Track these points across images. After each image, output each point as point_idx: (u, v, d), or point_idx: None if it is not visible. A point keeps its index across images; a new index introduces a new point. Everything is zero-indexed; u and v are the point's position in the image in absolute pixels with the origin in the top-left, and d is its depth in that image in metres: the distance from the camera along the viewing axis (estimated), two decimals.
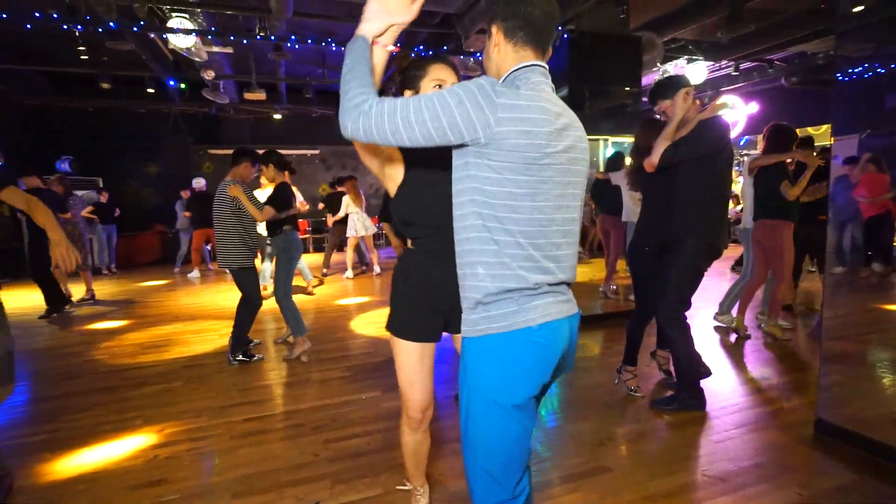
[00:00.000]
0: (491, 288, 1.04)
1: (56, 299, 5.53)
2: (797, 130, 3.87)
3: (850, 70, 2.78)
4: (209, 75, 6.82)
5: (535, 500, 1.96)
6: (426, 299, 1.52)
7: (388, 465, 2.25)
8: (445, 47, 5.60)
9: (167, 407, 2.99)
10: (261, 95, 7.38)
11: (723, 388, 3.06)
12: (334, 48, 5.29)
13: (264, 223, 3.79)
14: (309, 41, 4.90)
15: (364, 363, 3.69)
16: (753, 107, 10.31)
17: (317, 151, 11.63)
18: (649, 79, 8.36)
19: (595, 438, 2.48)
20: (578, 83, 4.30)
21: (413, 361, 1.54)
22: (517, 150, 0.97)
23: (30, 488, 2.17)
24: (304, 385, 3.29)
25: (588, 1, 3.67)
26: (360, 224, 7.24)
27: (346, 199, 7.24)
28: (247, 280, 3.67)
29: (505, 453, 1.09)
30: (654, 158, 2.56)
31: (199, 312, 5.59)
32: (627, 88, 4.63)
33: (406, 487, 1.92)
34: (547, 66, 1.12)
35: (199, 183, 8.13)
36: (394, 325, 1.56)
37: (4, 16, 3.70)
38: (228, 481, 2.17)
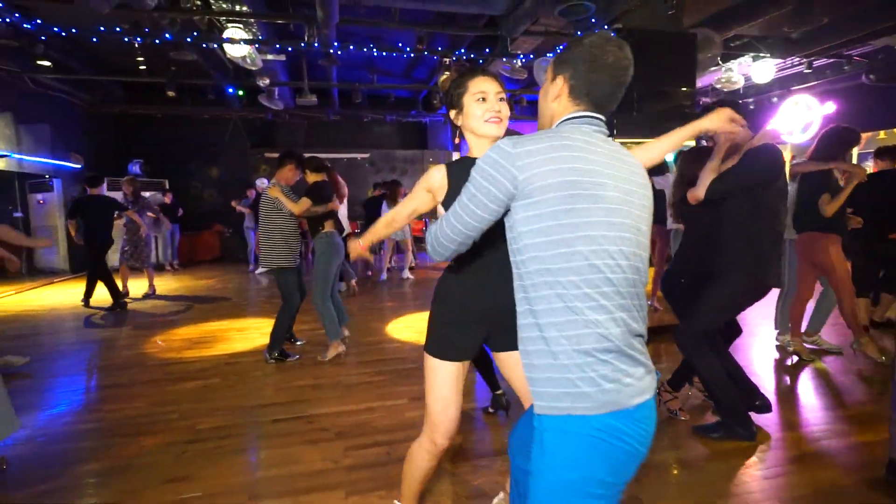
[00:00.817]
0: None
1: (113, 294, 5.89)
2: (884, 133, 3.45)
3: None
4: (264, 82, 7.10)
5: None
6: (472, 314, 1.47)
7: (400, 480, 2.19)
8: (489, 49, 5.50)
9: (202, 403, 3.08)
10: (312, 100, 7.60)
11: (778, 417, 2.76)
12: (378, 53, 5.33)
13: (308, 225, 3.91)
14: (351, 47, 4.96)
15: (395, 369, 3.66)
16: (830, 107, 9.38)
17: (367, 155, 11.85)
18: (709, 79, 7.86)
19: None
20: (629, 83, 4.06)
21: (452, 383, 1.48)
22: (552, 190, 0.92)
23: (69, 474, 2.29)
24: (333, 388, 3.30)
25: None
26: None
27: (385, 205, 7.34)
28: (287, 281, 3.75)
29: None
30: (700, 192, 2.35)
31: (246, 311, 5.80)
32: (683, 89, 4.35)
33: None
34: (604, 119, 1.08)
35: (262, 184, 8.41)
36: (431, 344, 1.50)
37: (74, 30, 4.01)
38: (248, 483, 2.19)
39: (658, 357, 3.81)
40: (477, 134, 1.44)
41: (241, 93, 8.25)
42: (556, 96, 1.10)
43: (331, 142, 11.52)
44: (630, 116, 4.17)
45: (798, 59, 7.44)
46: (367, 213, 7.77)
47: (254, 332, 4.75)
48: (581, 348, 0.92)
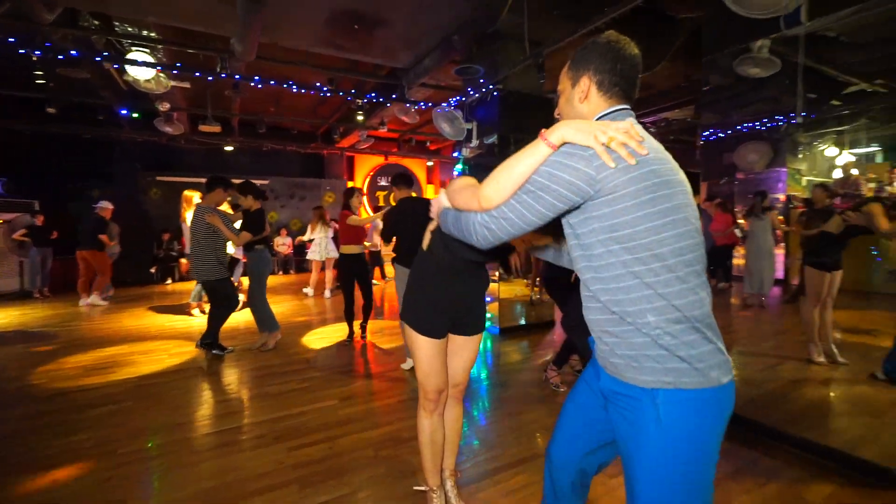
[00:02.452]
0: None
1: None
2: None
3: (704, 133, 3.24)
4: (164, 107, 6.36)
5: (486, 485, 1.99)
6: (444, 306, 1.64)
7: (353, 466, 2.18)
8: (395, 95, 5.68)
9: (118, 427, 2.65)
10: (216, 128, 6.98)
11: None
12: (288, 88, 5.17)
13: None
14: (272, 82, 4.75)
15: (319, 375, 3.53)
16: None
17: (266, 182, 11.12)
18: None
19: (531, 429, 2.56)
20: (506, 132, 4.56)
21: (432, 355, 1.64)
22: (638, 186, 0.90)
23: None
24: (262, 399, 3.08)
25: (517, 66, 3.94)
26: (321, 249, 7.13)
27: (309, 225, 7.14)
28: (224, 287, 3.88)
29: None
30: None
31: (145, 333, 5.04)
32: None
33: (422, 488, 1.86)
34: (632, 110, 1.05)
35: (104, 205, 6.73)
36: (414, 322, 1.63)
37: None
38: (194, 495, 1.98)
39: (542, 345, 4.24)
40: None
41: (136, 115, 7.23)
42: (583, 97, 1.05)
43: (229, 168, 10.60)
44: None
45: None
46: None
47: (161, 354, 4.17)
48: (693, 321, 0.91)
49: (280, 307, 6.50)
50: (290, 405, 2.93)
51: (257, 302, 4.08)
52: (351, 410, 2.85)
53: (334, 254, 7.26)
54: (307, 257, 7.35)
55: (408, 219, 3.42)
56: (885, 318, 3.33)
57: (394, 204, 3.58)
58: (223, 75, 4.29)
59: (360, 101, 5.54)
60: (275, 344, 4.20)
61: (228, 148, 9.80)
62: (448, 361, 1.74)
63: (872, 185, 3.51)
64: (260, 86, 4.66)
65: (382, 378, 3.46)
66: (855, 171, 3.55)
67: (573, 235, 1.03)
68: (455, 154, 5.09)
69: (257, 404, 2.97)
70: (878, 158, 3.58)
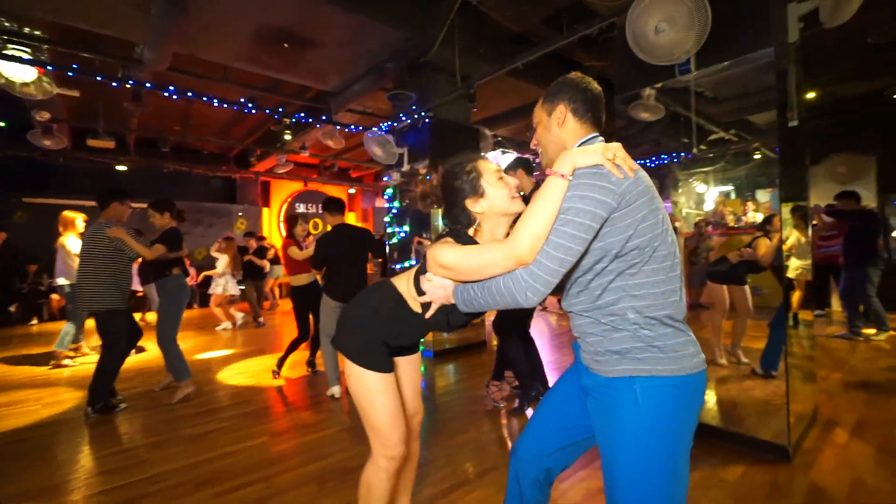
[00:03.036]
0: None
1: None
2: None
3: None
4: (43, 117, 5.50)
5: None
6: (406, 339, 1.43)
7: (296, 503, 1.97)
8: (325, 117, 5.58)
9: None
10: (109, 144, 6.20)
11: None
12: (216, 103, 4.82)
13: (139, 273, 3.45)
14: (189, 94, 4.38)
15: (243, 412, 3.18)
16: None
17: None
18: None
19: (478, 446, 2.55)
20: (435, 159, 4.71)
21: (392, 395, 1.39)
22: (643, 198, 1.01)
23: None
24: (177, 443, 2.68)
25: (448, 96, 4.14)
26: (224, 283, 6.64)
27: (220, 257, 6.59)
28: (117, 324, 3.22)
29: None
30: None
31: (8, 382, 4.15)
32: None
33: None
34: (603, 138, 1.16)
35: None
36: (371, 360, 1.36)
37: None
38: None
39: (477, 365, 4.28)
40: (507, 213, 1.26)
41: (1, 124, 6.15)
42: (560, 122, 1.15)
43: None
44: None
45: (530, 153, 9.68)
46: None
47: (33, 405, 3.45)
48: (668, 319, 1.02)
49: (186, 343, 5.79)
50: (212, 448, 2.59)
51: (166, 338, 3.40)
52: (285, 446, 2.60)
53: (235, 290, 6.86)
54: (209, 291, 6.80)
55: (341, 246, 3.32)
56: (753, 326, 3.93)
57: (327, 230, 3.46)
58: (131, 82, 3.87)
59: (287, 120, 5.34)
60: (185, 396, 3.43)
61: (121, 168, 8.73)
62: (401, 392, 1.53)
63: (731, 217, 4.19)
64: (176, 97, 4.26)
65: (316, 409, 3.22)
66: (720, 205, 4.25)
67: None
68: (385, 178, 5.11)
69: (170, 450, 2.57)
70: (733, 195, 4.35)
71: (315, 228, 12.02)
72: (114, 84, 3.95)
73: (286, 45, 4.13)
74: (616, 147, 1.02)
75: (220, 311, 6.86)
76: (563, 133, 1.16)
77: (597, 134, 1.16)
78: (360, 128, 5.44)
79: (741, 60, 2.50)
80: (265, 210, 11.72)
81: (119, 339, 3.22)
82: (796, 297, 4.68)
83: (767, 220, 3.09)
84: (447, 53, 4.14)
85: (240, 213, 11.08)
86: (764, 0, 2.34)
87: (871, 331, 4.93)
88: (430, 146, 4.58)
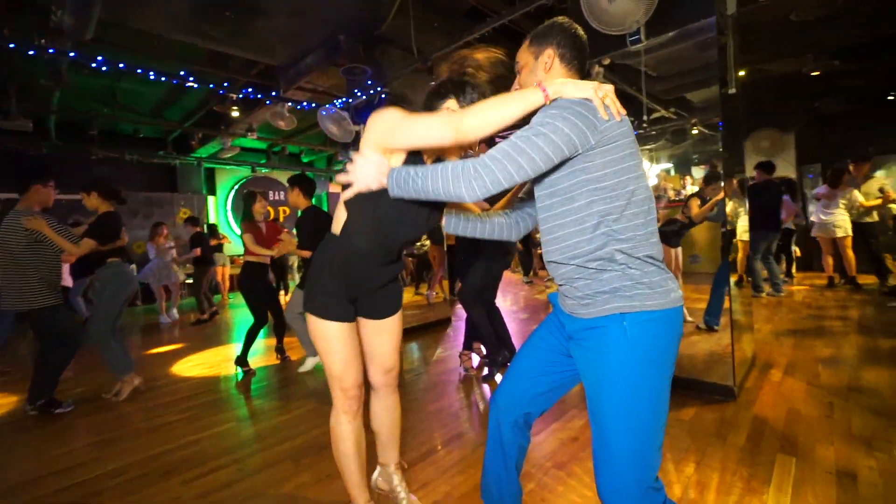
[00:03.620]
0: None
1: None
2: None
3: None
4: None
5: (421, 467, 1.96)
6: (349, 287, 1.41)
7: (273, 481, 1.93)
8: (275, 93, 5.28)
9: None
10: (25, 126, 5.54)
11: None
12: (152, 76, 4.42)
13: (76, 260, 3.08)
14: (121, 65, 3.96)
15: (206, 401, 3.04)
16: None
17: None
18: None
19: (452, 412, 2.60)
20: None
21: (345, 342, 1.41)
22: (623, 141, 1.03)
23: None
24: (135, 436, 2.51)
25: (405, 70, 4.05)
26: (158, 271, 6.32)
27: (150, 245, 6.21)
28: (58, 319, 2.91)
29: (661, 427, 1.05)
30: None
31: None
32: None
33: None
34: None
35: None
36: (320, 308, 1.38)
37: None
38: None
39: (443, 340, 4.32)
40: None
41: None
42: (548, 67, 1.14)
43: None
44: None
45: None
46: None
47: None
48: (650, 258, 1.05)
49: (130, 342, 5.44)
50: (175, 437, 2.46)
51: (102, 334, 3.04)
52: (255, 429, 2.52)
53: (175, 278, 6.50)
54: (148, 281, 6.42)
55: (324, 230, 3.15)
56: (689, 290, 4.24)
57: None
58: (51, 50, 3.45)
59: (234, 96, 5.01)
60: (131, 391, 3.16)
61: (44, 153, 7.85)
62: (372, 347, 1.56)
63: (672, 191, 4.45)
64: (105, 68, 3.85)
65: (284, 392, 3.14)
66: (662, 181, 4.51)
67: (549, 194, 1.10)
68: (340, 158, 4.95)
69: (126, 445, 2.41)
70: (672, 172, 4.62)
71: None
72: (30, 52, 3.50)
73: (228, 14, 3.84)
74: (609, 88, 1.03)
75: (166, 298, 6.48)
76: (549, 78, 1.15)
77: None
78: (314, 104, 5.20)
79: (687, 30, 2.62)
80: (211, 198, 11.05)
81: (58, 335, 2.91)
82: (739, 258, 5.08)
83: (706, 182, 3.29)
84: (402, 26, 4.04)
85: (182, 202, 10.38)
86: None
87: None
88: None
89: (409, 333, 4.69)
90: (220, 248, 7.92)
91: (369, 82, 4.33)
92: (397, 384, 1.65)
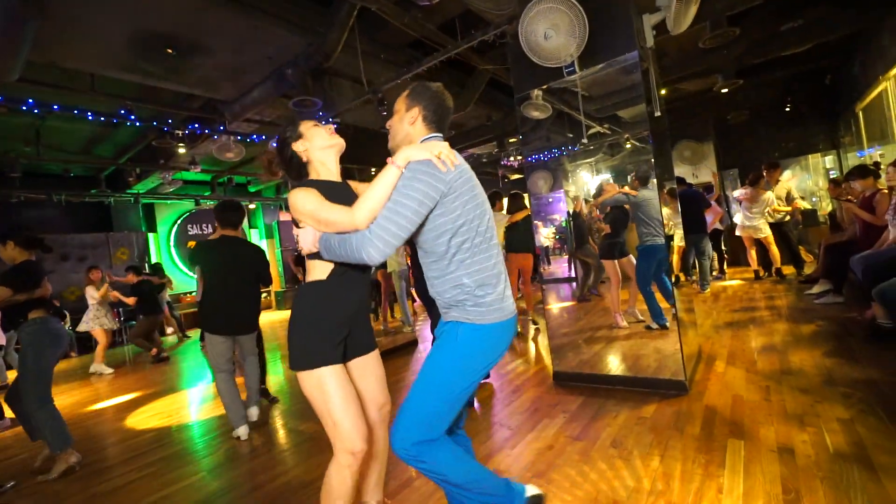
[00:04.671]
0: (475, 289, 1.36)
1: None
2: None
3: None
4: None
5: (406, 494, 1.98)
6: (342, 322, 1.45)
7: None
8: (222, 127, 5.15)
9: None
10: None
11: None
12: (90, 117, 4.17)
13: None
14: (55, 107, 3.73)
15: (167, 454, 2.86)
16: None
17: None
18: None
19: None
20: (346, 164, 4.66)
21: (347, 385, 1.40)
22: (466, 187, 1.32)
23: None
24: (91, 501, 2.32)
25: (356, 101, 4.13)
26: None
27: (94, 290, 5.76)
28: None
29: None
30: None
31: None
32: (375, 170, 5.29)
33: None
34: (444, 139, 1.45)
35: None
36: (318, 358, 1.37)
37: None
38: None
39: (416, 364, 4.33)
40: (326, 146, 1.52)
41: None
42: (412, 121, 1.42)
43: None
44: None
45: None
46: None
47: None
48: (486, 281, 1.35)
49: (74, 396, 4.99)
50: (140, 496, 2.31)
51: (30, 401, 2.67)
52: (227, 477, 2.42)
53: (109, 324, 6.03)
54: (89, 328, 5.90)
55: (227, 265, 2.94)
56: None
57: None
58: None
59: (180, 132, 4.84)
60: (69, 468, 2.70)
61: None
62: (362, 386, 1.57)
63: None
64: (37, 110, 3.60)
65: (257, 434, 3.02)
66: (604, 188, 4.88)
67: (422, 233, 1.36)
68: (289, 187, 4.91)
69: None
70: (612, 181, 5.02)
71: None
72: None
73: (170, 51, 3.76)
74: (443, 146, 1.30)
75: (98, 351, 5.98)
76: (412, 130, 1.43)
77: (438, 134, 1.43)
78: (263, 136, 5.14)
79: (614, 62, 2.91)
80: (151, 235, 10.41)
81: None
82: (675, 260, 5.51)
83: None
84: (350, 59, 4.13)
85: (119, 242, 9.69)
86: (626, 13, 2.77)
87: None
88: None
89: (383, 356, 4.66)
90: (162, 287, 7.47)
91: (320, 114, 4.37)
92: (389, 421, 1.64)
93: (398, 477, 2.15)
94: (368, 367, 1.60)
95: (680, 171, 8.25)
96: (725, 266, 7.19)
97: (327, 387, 1.37)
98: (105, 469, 2.74)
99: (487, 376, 3.27)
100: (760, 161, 6.31)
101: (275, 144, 1.61)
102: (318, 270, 1.45)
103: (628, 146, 4.44)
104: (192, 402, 4.02)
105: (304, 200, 1.33)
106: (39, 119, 5.56)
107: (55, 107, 3.77)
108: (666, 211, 5.20)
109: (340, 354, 1.45)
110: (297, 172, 1.55)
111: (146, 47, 3.70)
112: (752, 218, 5.97)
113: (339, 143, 1.54)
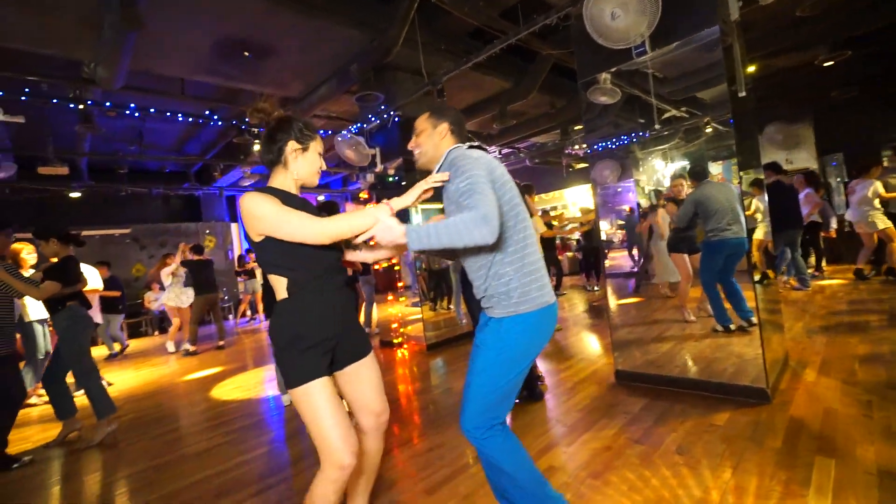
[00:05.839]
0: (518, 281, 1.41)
1: None
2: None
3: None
4: None
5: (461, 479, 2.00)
6: (323, 332, 1.40)
7: None
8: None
9: None
10: (62, 170, 5.89)
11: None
12: (180, 118, 4.68)
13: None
14: (151, 110, 4.23)
15: (245, 424, 3.15)
16: None
17: (127, 231, 9.64)
18: None
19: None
20: (407, 155, 4.76)
21: (333, 398, 1.36)
22: (504, 179, 1.42)
23: None
24: (180, 462, 2.64)
25: (415, 94, 4.19)
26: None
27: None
28: (4, 371, 2.82)
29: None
30: None
31: None
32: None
33: None
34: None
35: None
36: (301, 373, 1.34)
37: None
38: None
39: (465, 356, 4.37)
40: (306, 182, 1.51)
41: None
42: (442, 136, 1.54)
43: (76, 219, 8.96)
44: (410, 179, 4.85)
45: (495, 147, 9.85)
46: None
47: (17, 444, 3.29)
48: (525, 270, 1.41)
49: (171, 366, 5.63)
50: (221, 461, 2.57)
51: (78, 377, 3.04)
52: (298, 448, 2.61)
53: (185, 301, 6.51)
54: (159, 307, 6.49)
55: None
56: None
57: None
58: (90, 102, 3.71)
59: (256, 130, 5.24)
60: (106, 435, 3.06)
61: (75, 195, 8.29)
62: (357, 394, 1.55)
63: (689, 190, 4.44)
64: (138, 114, 4.11)
65: None
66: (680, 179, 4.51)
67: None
68: (356, 181, 5.11)
69: (179, 468, 2.54)
70: (686, 170, 4.62)
71: None
72: (71, 106, 3.76)
73: (246, 54, 4.06)
74: (423, 185, 1.46)
75: (174, 330, 6.58)
76: (442, 143, 1.54)
77: (460, 143, 1.53)
78: (329, 132, 5.40)
79: (691, 39, 2.68)
80: (234, 225, 11.41)
81: (10, 388, 2.84)
82: (757, 256, 5.03)
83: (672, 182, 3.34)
84: (410, 52, 4.19)
85: (207, 231, 10.74)
86: None
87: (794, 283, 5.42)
88: (401, 145, 4.63)
89: (434, 349, 4.77)
90: (251, 273, 8.19)
91: (382, 107, 4.49)
92: (384, 429, 1.63)
93: (452, 464, 2.18)
94: (362, 373, 1.55)
95: (770, 157, 7.43)
96: (824, 263, 6.40)
97: (314, 401, 1.33)
98: (194, 433, 3.09)
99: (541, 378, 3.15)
100: (870, 144, 5.48)
101: (274, 124, 1.48)
102: (281, 287, 1.40)
103: (708, 130, 4.09)
104: (270, 378, 4.38)
105: (263, 204, 1.31)
106: (141, 121, 6.27)
107: (152, 110, 4.22)
108: (755, 205, 4.72)
109: (326, 366, 1.40)
110: (269, 158, 1.47)
111: (226, 52, 4.03)
112: (867, 208, 5.22)
113: (314, 183, 1.54)
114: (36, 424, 3.78)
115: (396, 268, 4.94)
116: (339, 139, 4.66)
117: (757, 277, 2.97)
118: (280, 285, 1.40)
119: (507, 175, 1.44)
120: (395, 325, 5.11)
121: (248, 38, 3.94)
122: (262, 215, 1.31)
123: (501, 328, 1.40)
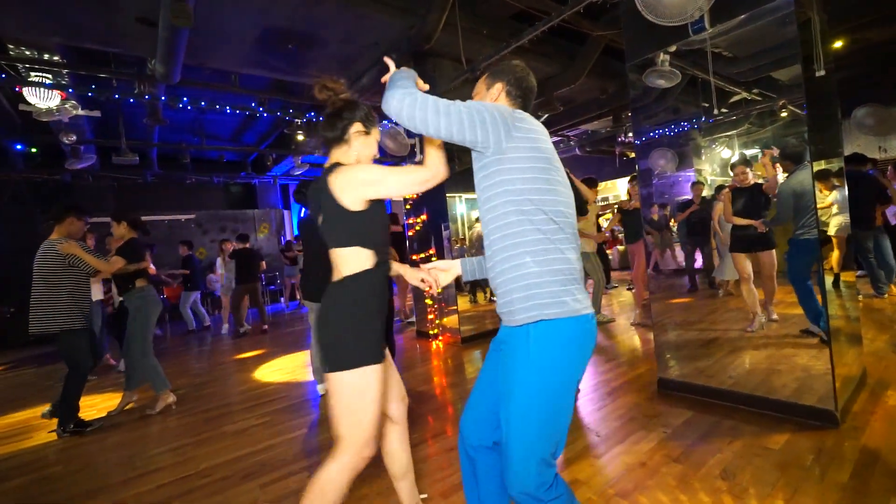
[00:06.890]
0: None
1: None
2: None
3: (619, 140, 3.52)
4: (70, 139, 5.71)
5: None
6: (381, 313, 1.37)
7: None
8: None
9: (50, 496, 2.25)
10: (132, 158, 6.38)
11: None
12: (209, 116, 4.90)
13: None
14: (202, 103, 4.46)
15: (280, 408, 3.27)
16: None
17: (192, 216, 10.35)
18: None
19: None
20: (448, 145, 4.66)
21: (382, 386, 1.33)
22: (535, 153, 1.15)
23: None
24: (219, 439, 2.78)
25: (455, 81, 4.07)
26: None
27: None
28: (78, 344, 3.06)
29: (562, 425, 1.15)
30: None
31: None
32: None
33: None
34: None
35: None
36: (366, 355, 1.29)
37: None
38: None
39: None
40: (366, 157, 1.46)
41: (33, 150, 6.41)
42: (495, 98, 1.31)
43: (147, 204, 9.73)
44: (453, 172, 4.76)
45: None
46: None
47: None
48: (556, 271, 1.14)
49: (219, 345, 5.99)
50: (253, 442, 2.67)
51: (136, 354, 3.31)
52: (325, 436, 2.66)
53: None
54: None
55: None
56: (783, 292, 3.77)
57: None
58: (147, 97, 3.96)
59: (298, 120, 5.38)
60: (164, 407, 3.40)
61: (148, 180, 8.99)
62: (389, 381, 1.54)
63: (761, 179, 3.99)
64: (191, 107, 4.34)
65: None
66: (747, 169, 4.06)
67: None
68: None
69: (216, 445, 2.68)
70: (759, 158, 4.14)
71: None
72: (130, 101, 4.02)
73: (290, 46, 4.13)
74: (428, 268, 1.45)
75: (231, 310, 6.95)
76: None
77: (521, 110, 1.28)
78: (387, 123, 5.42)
79: (759, 12, 2.36)
80: (286, 214, 11.92)
81: (83, 358, 3.08)
82: (835, 256, 4.46)
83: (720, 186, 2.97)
84: (450, 38, 4.06)
85: (263, 219, 11.29)
86: None
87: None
88: None
89: (469, 342, 4.71)
90: (295, 260, 8.53)
91: None
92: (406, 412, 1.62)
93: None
94: (389, 360, 1.54)
95: (859, 145, 6.58)
96: None
97: (369, 386, 1.28)
98: (233, 412, 3.24)
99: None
100: None
101: (336, 110, 1.44)
102: (360, 260, 1.33)
103: (784, 114, 3.65)
104: (308, 363, 4.53)
105: (369, 167, 1.32)
106: (201, 114, 6.64)
107: (203, 103, 4.43)
108: (834, 194, 4.19)
109: (382, 350, 1.37)
110: (332, 136, 1.43)
111: (271, 44, 4.12)
112: None
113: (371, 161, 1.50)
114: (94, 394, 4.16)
115: (433, 259, 4.90)
116: (379, 129, 4.65)
117: (830, 280, 2.61)
118: (358, 258, 1.33)
119: (556, 156, 1.21)
120: (430, 317, 5.09)
121: (291, 28, 3.99)
122: (374, 178, 1.29)
123: (530, 339, 1.13)
